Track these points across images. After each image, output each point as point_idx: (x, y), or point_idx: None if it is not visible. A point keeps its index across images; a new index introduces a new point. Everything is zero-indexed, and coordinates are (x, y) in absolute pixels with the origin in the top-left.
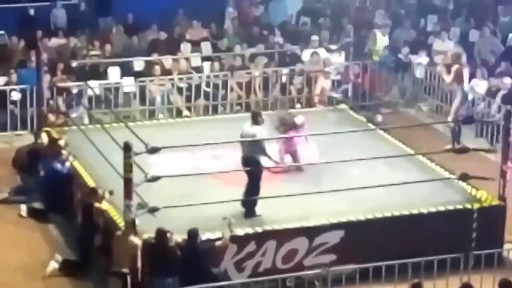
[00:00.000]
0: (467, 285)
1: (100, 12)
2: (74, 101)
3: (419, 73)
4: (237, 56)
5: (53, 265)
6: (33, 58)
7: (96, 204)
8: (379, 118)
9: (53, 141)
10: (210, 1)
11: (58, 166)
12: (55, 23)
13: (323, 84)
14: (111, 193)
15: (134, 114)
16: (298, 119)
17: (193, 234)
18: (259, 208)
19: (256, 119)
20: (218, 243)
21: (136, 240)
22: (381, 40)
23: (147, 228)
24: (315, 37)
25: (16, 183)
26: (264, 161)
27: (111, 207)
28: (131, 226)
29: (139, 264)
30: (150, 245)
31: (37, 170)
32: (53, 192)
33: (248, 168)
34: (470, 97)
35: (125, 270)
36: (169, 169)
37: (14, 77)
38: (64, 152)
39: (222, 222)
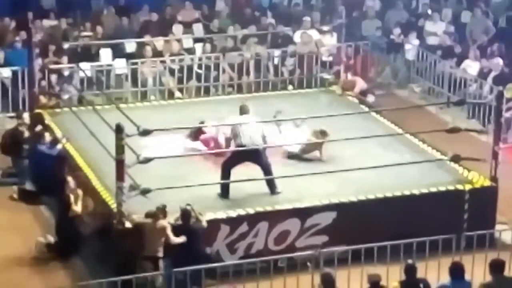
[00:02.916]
0: (457, 264)
1: None
2: (66, 83)
3: (411, 55)
4: (229, 38)
5: (41, 240)
6: (18, 38)
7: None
8: (371, 98)
9: (43, 123)
10: None
11: (48, 148)
12: (46, 5)
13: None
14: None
15: (126, 96)
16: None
17: (185, 214)
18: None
19: (247, 110)
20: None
21: (164, 223)
22: None
23: (138, 210)
24: (307, 18)
25: (7, 165)
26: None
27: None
28: (161, 211)
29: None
30: (142, 227)
31: (22, 152)
32: (44, 174)
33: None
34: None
35: (157, 254)
36: (161, 150)
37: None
38: (55, 134)
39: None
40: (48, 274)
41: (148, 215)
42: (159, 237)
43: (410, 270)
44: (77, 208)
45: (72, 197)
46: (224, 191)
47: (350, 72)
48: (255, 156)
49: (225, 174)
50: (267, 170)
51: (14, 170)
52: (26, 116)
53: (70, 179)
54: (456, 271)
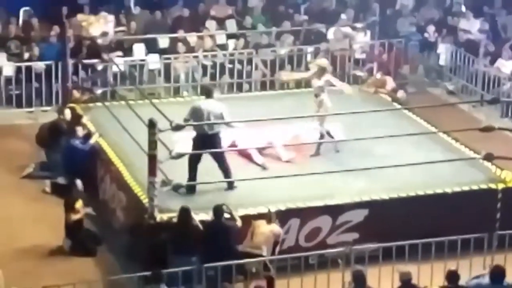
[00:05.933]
0: (500, 268)
1: None
2: (99, 77)
3: (442, 59)
4: (262, 34)
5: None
6: (53, 33)
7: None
8: (401, 93)
9: (76, 117)
10: None
11: (81, 142)
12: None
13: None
14: None
15: (158, 91)
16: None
17: (218, 211)
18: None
19: (212, 94)
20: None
21: (277, 229)
22: None
23: (170, 205)
24: (342, 16)
25: (41, 159)
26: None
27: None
28: (273, 215)
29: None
30: (173, 223)
31: (58, 146)
32: (76, 169)
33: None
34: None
35: (258, 251)
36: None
37: (36, 51)
38: (88, 128)
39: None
40: (79, 268)
41: (263, 216)
42: (272, 240)
43: (453, 276)
44: (76, 216)
45: (79, 202)
46: (191, 188)
47: (380, 72)
48: (213, 145)
49: (191, 169)
50: (222, 164)
51: (47, 163)
52: (67, 112)
53: (79, 182)
54: (498, 275)
